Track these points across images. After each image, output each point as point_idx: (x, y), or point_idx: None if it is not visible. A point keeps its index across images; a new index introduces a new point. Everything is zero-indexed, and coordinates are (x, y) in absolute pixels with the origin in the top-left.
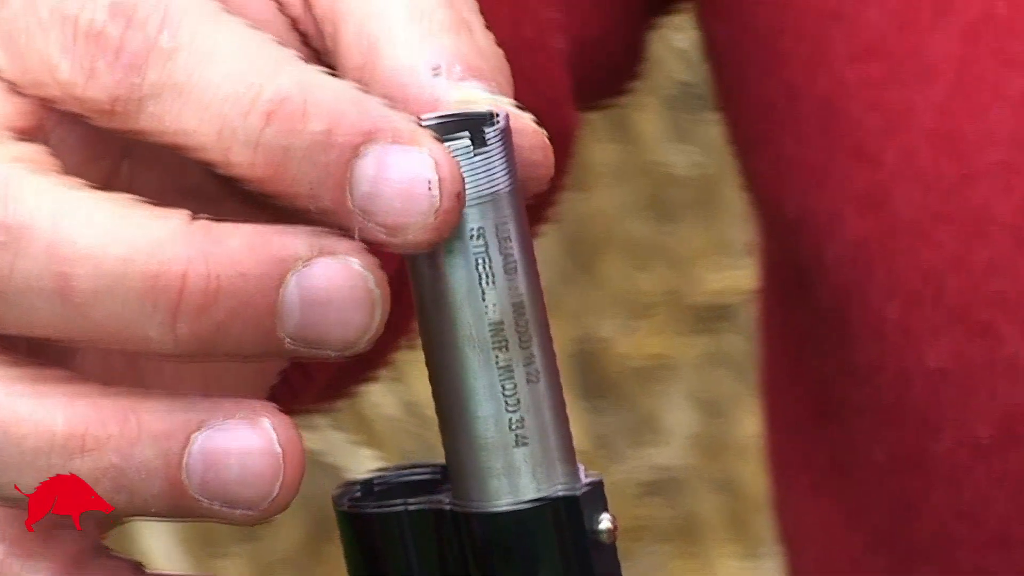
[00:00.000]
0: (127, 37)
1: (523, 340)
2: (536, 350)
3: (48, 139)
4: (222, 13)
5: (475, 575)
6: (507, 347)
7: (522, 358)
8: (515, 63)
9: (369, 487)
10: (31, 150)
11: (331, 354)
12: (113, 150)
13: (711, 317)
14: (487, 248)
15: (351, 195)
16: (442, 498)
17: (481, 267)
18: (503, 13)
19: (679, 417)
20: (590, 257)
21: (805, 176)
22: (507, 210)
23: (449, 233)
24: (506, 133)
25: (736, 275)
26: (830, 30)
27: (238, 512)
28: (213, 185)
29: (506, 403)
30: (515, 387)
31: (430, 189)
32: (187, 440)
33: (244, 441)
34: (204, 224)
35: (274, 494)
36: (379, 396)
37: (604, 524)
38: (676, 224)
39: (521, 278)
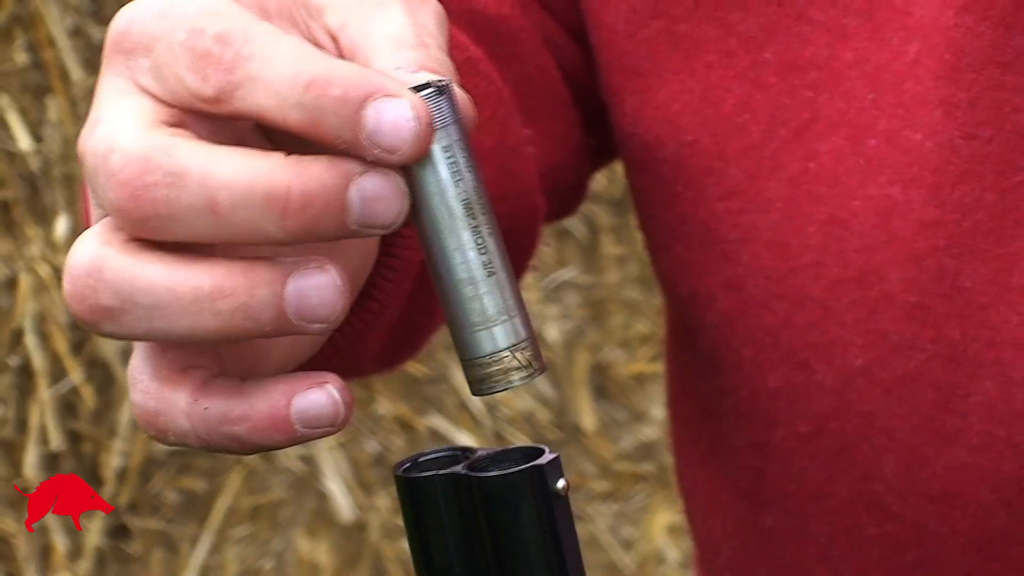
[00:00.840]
0: (223, 53)
1: (483, 211)
2: (491, 217)
3: (188, 129)
4: (279, 32)
5: (481, 519)
6: (475, 215)
7: (484, 222)
8: (500, 162)
9: (416, 461)
10: (181, 132)
11: (381, 231)
12: (225, 132)
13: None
14: (455, 155)
15: (363, 132)
16: (460, 468)
17: (453, 167)
18: (493, 129)
19: (656, 410)
20: (602, 311)
21: (691, 271)
22: (459, 133)
23: (427, 148)
24: (452, 90)
25: None
26: (706, 179)
27: (315, 327)
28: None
29: (478, 249)
30: (483, 239)
31: (410, 122)
32: (285, 282)
33: (319, 280)
34: (295, 157)
35: (338, 315)
36: (470, 395)
37: (560, 484)
38: (655, 292)
39: (475, 174)
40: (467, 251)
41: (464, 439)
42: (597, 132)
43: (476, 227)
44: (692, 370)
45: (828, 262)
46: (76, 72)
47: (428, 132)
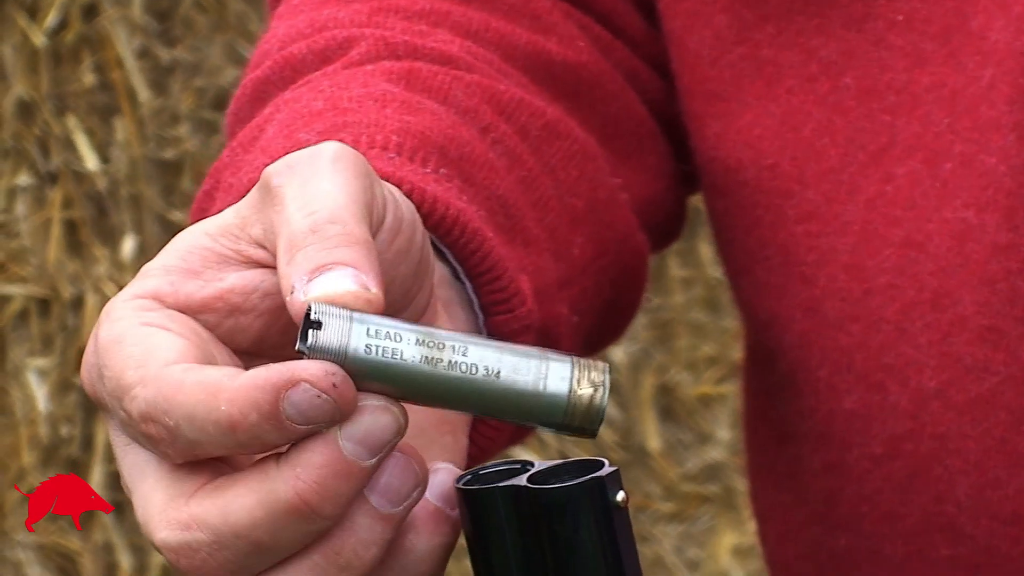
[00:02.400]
0: (157, 432)
1: (437, 342)
2: (445, 331)
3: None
4: (183, 380)
5: (541, 531)
6: (437, 356)
7: (447, 346)
8: (595, 218)
9: (477, 474)
10: None
11: (335, 424)
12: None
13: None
14: (379, 340)
15: (299, 430)
16: (521, 480)
17: (383, 351)
18: (582, 189)
19: (723, 432)
20: (669, 333)
21: (770, 294)
22: (364, 319)
23: (351, 394)
24: (335, 306)
25: None
26: (785, 203)
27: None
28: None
29: (470, 371)
30: (459, 360)
31: (321, 396)
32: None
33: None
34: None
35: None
36: None
37: (620, 496)
38: (722, 314)
39: (406, 329)
40: (465, 380)
41: (529, 459)
42: (688, 158)
43: (447, 361)
44: (769, 393)
45: (903, 284)
46: (143, 93)
47: (344, 384)
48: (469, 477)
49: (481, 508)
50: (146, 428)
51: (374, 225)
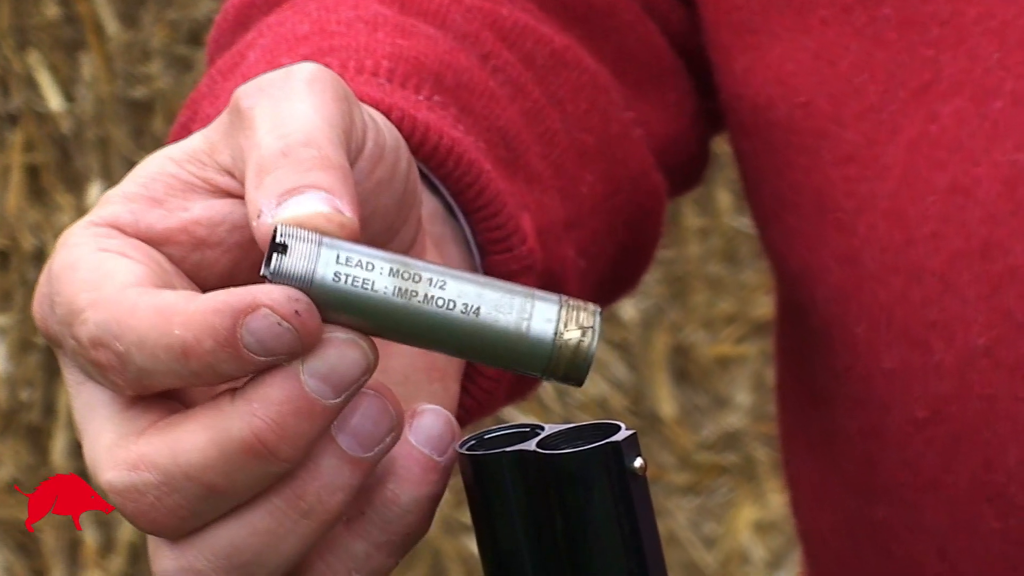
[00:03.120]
0: (107, 359)
1: (411, 271)
2: (422, 261)
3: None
4: (137, 302)
5: (552, 500)
6: (411, 288)
7: (423, 277)
8: (606, 154)
9: (482, 438)
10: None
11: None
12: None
13: (764, 329)
14: (349, 268)
15: (258, 360)
16: (529, 445)
17: (354, 280)
18: (592, 122)
19: (742, 396)
20: (683, 288)
21: (803, 243)
22: (335, 244)
23: (316, 325)
24: (304, 227)
25: None
26: (821, 144)
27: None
28: None
29: (447, 307)
30: (436, 293)
31: (281, 323)
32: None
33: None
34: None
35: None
36: None
37: (638, 462)
38: (741, 267)
39: (379, 256)
40: (441, 316)
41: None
42: (712, 95)
43: (422, 294)
44: (802, 351)
45: (949, 233)
46: (112, 26)
47: (307, 312)
48: (473, 442)
49: (486, 475)
50: (96, 355)
51: (352, 152)
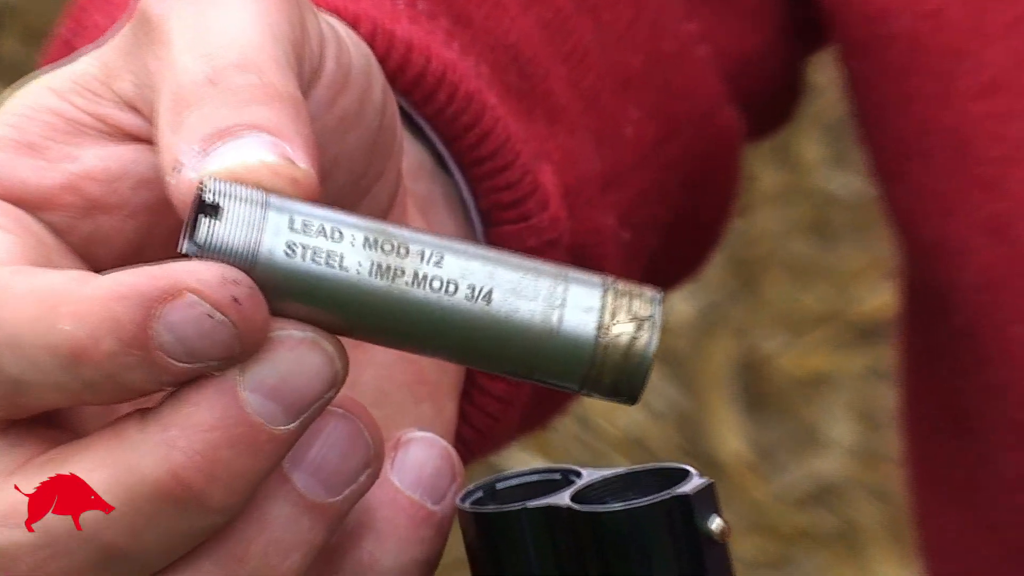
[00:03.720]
0: None
1: (394, 242)
2: (407, 228)
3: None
4: (11, 287)
5: (591, 569)
6: (396, 264)
7: (405, 252)
8: (660, 78)
9: (491, 489)
10: None
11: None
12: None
13: (870, 333)
14: (304, 241)
15: (177, 367)
16: (561, 498)
17: (315, 255)
18: (642, 35)
19: (839, 428)
20: (754, 276)
21: (937, 206)
22: (287, 206)
23: (262, 317)
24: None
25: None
26: (956, 68)
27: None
28: None
29: (444, 291)
30: (426, 273)
31: (214, 318)
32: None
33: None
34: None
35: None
36: None
37: (716, 524)
38: (836, 244)
39: (345, 218)
40: (437, 304)
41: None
42: (807, 1)
43: (410, 272)
44: (940, 362)
45: None
46: None
47: (250, 300)
48: (481, 494)
49: (499, 539)
50: None
51: (306, 76)
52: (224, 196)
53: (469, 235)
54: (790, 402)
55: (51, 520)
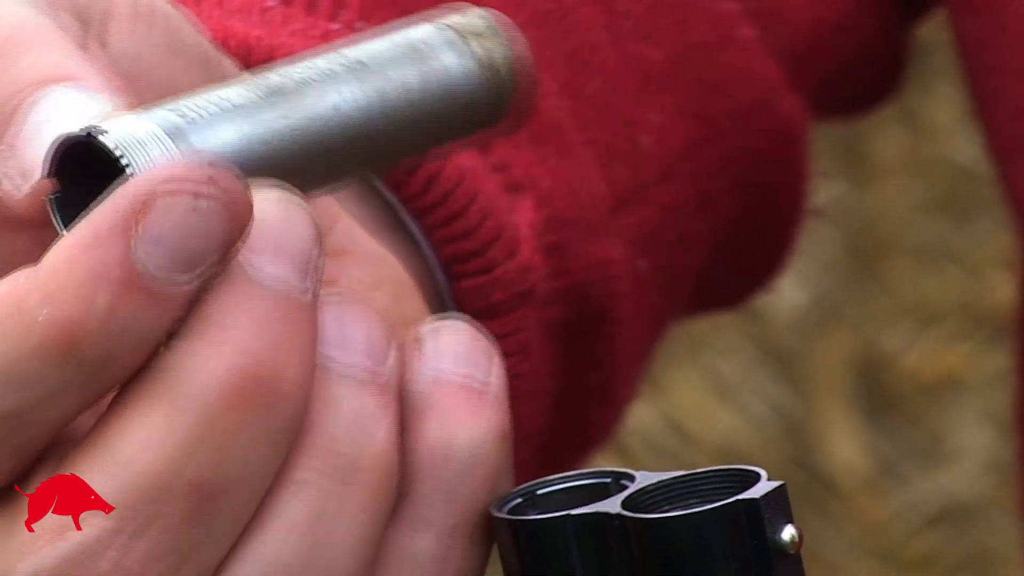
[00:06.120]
0: None
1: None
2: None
3: None
4: None
5: None
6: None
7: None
8: (692, 71)
9: (531, 495)
10: None
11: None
12: None
13: (1009, 327)
14: (199, 111)
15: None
16: (611, 504)
17: (216, 109)
18: (665, 22)
19: (972, 438)
20: (875, 260)
21: None
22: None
23: (241, 186)
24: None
25: None
26: None
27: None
28: None
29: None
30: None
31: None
32: None
33: None
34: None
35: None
36: (635, 408)
37: (787, 533)
38: (971, 224)
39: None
40: (333, 111)
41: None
42: None
43: (294, 80)
44: None
45: None
46: None
47: (225, 174)
48: (519, 500)
49: (540, 549)
50: None
51: (89, 19)
52: (123, 151)
53: (433, 293)
54: (915, 407)
55: (119, 495)
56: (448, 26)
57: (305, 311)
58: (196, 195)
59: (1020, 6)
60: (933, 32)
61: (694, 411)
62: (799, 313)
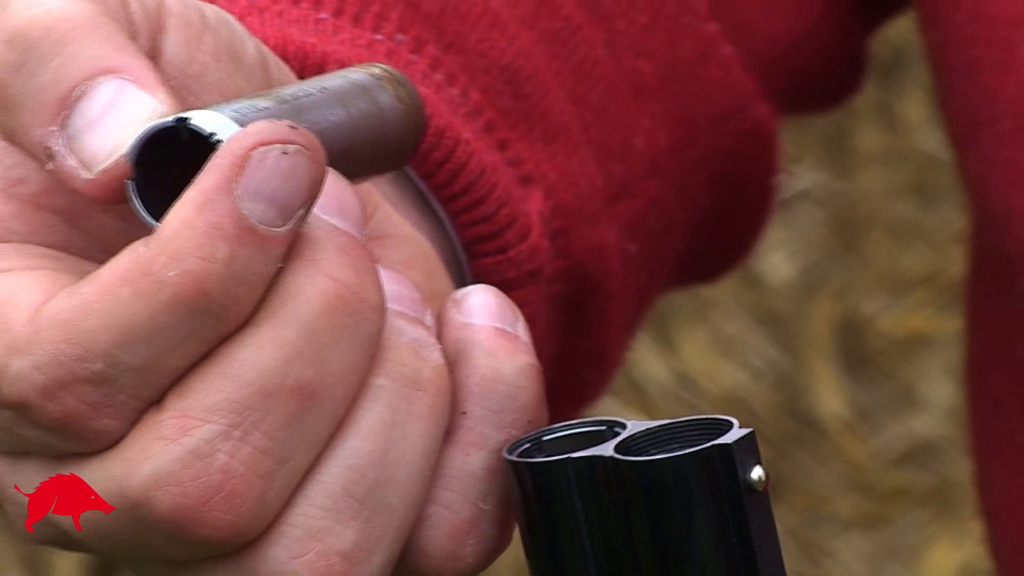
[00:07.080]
0: None
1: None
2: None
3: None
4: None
5: (637, 524)
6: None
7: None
8: (678, 82)
9: (539, 441)
10: None
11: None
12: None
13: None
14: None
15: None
16: (605, 449)
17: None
18: (657, 40)
19: (937, 388)
20: (855, 237)
21: (1006, 174)
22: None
23: (317, 140)
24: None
25: None
26: (1016, 36)
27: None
28: None
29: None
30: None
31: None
32: None
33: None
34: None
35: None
36: (651, 364)
37: (756, 473)
38: (937, 206)
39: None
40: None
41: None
42: None
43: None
44: (1010, 328)
45: None
46: None
47: (299, 130)
48: (527, 445)
49: (545, 489)
50: (54, 407)
51: (144, 27)
52: (204, 127)
53: (456, 271)
54: (889, 363)
55: (232, 393)
56: (372, 74)
57: (369, 255)
58: (284, 143)
59: (962, 19)
60: (907, 39)
61: (701, 366)
62: (790, 282)
